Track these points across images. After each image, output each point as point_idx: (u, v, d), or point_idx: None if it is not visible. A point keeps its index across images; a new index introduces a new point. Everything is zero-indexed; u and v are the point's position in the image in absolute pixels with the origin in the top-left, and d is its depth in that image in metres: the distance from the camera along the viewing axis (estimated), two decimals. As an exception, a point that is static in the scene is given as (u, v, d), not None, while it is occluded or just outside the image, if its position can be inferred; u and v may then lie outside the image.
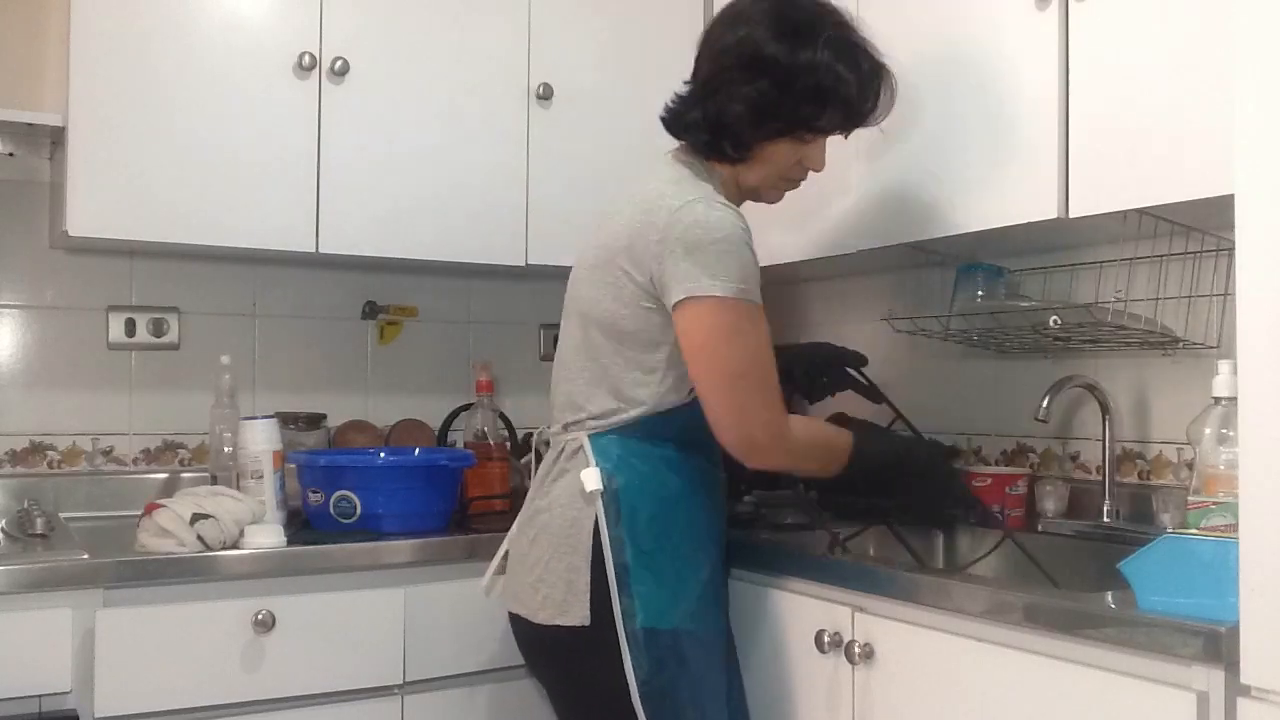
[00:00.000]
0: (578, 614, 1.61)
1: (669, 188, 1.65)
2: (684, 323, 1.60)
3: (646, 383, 1.66)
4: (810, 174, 1.78)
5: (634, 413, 1.66)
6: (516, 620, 1.72)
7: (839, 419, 1.88)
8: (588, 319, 1.70)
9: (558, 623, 1.62)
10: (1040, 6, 1.74)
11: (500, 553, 1.80)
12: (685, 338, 1.61)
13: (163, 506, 1.81)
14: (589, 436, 1.67)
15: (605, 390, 1.68)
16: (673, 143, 1.79)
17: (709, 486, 1.74)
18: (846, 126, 1.74)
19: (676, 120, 1.76)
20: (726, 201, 1.65)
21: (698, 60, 1.74)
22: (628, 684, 1.58)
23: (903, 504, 1.85)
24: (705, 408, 1.62)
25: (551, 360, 1.82)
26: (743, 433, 1.61)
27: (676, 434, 1.68)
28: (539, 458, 1.81)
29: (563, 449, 1.71)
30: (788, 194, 1.81)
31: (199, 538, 1.79)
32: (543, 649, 1.71)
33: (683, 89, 1.76)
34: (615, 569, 1.60)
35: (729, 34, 1.70)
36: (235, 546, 1.83)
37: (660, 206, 1.62)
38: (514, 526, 1.78)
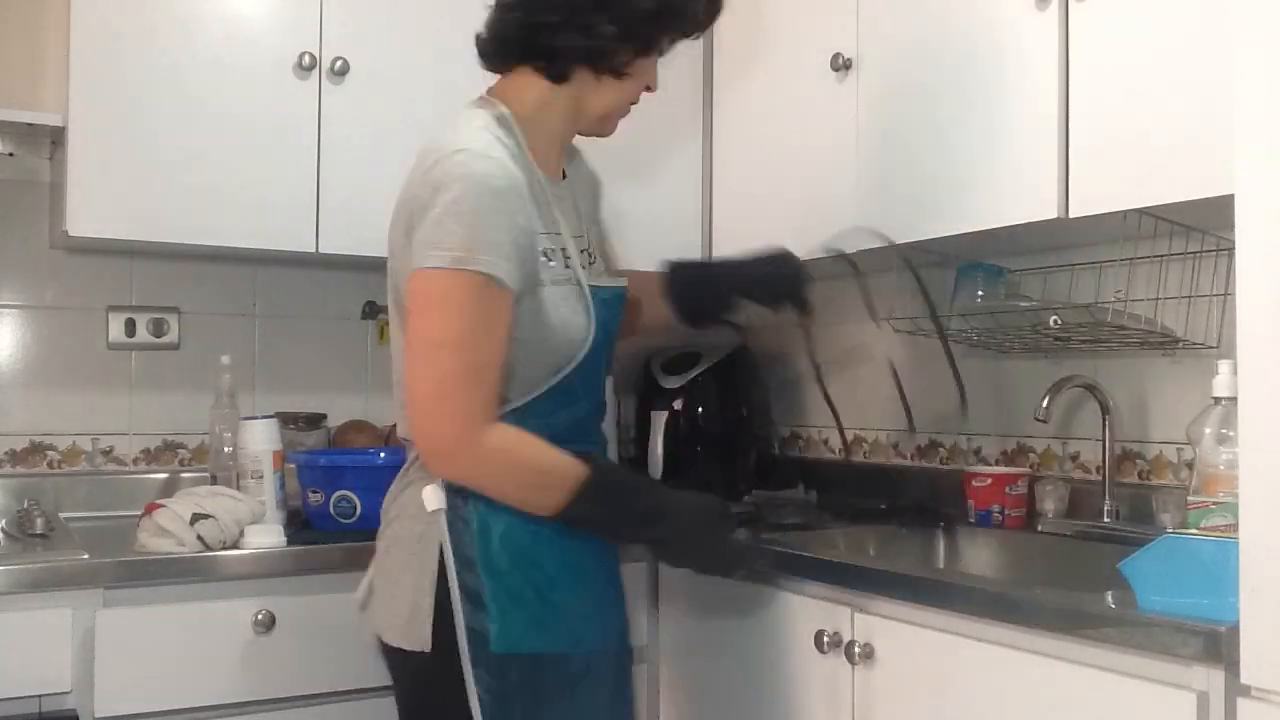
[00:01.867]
0: (419, 639, 1.45)
1: (443, 139, 1.45)
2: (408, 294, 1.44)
3: None
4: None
5: None
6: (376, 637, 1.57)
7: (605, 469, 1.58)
8: (393, 319, 1.54)
9: (400, 645, 1.48)
10: (1040, 6, 1.74)
11: (370, 570, 1.61)
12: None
13: (163, 506, 1.81)
14: None
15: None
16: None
17: None
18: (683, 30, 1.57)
19: (523, 41, 1.50)
20: (504, 153, 1.45)
21: None
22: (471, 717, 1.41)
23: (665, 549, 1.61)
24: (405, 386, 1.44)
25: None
26: (427, 419, 1.40)
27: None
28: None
29: (415, 457, 1.53)
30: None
31: (199, 538, 1.79)
32: (391, 671, 1.57)
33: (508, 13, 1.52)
34: (463, 593, 1.43)
35: None
36: (235, 546, 1.83)
37: (418, 167, 1.45)
38: None
